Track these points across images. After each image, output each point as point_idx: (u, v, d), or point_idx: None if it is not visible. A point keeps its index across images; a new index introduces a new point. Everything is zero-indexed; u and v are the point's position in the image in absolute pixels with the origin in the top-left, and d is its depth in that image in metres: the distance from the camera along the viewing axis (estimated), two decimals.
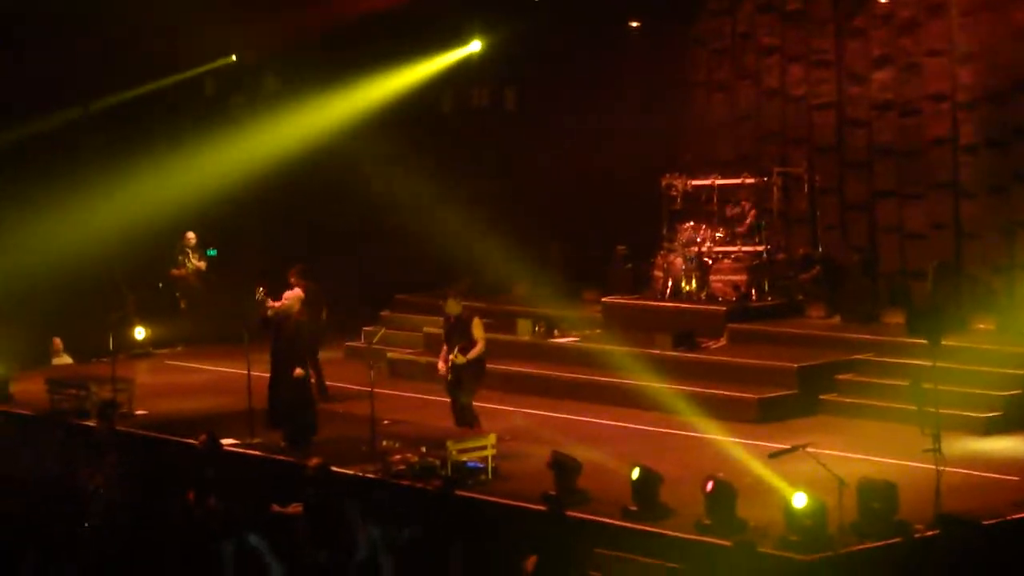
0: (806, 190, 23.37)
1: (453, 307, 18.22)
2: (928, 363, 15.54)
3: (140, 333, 23.75)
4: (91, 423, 18.80)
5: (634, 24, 25.71)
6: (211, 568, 13.38)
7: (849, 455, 16.54)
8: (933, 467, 14.39)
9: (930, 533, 13.69)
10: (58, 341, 24.12)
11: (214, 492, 15.22)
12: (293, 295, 18.40)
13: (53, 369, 22.94)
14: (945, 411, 15.24)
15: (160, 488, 15.95)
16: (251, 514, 14.60)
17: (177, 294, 25.88)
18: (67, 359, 23.99)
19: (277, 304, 18.23)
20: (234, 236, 26.85)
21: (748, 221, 22.78)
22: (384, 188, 25.23)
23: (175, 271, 25.85)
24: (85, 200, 24.49)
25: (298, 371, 17.92)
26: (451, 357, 17.91)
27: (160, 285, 25.55)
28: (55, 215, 24.12)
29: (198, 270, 25.82)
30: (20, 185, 23.98)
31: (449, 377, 18.06)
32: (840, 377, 19.67)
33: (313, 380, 19.17)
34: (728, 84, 25.21)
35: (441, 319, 18.74)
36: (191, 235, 25.82)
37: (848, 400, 19.28)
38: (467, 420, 17.93)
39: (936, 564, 13.38)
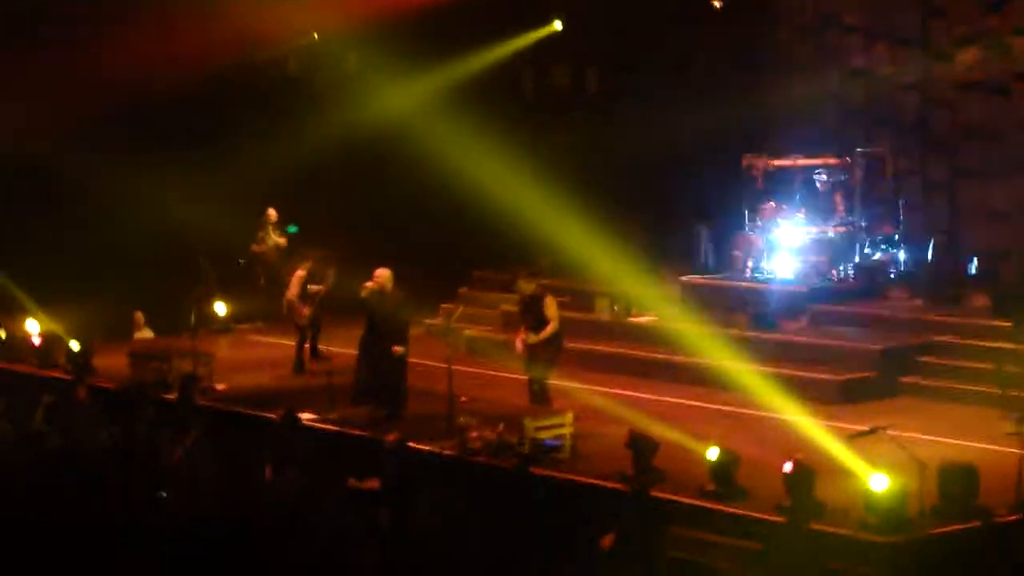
0: (888, 171, 23.13)
1: (526, 286, 18.21)
2: (1012, 346, 15.37)
3: (221, 308, 23.87)
4: (172, 396, 19.03)
5: (716, 4, 25.55)
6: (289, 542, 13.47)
7: (930, 438, 16.40)
8: (1015, 451, 14.24)
9: (1011, 518, 13.56)
10: (140, 315, 24.33)
11: (292, 466, 15.33)
12: (383, 273, 18.49)
13: (135, 343, 23.17)
14: None
15: (239, 461, 16.07)
16: (329, 488, 14.69)
17: (258, 270, 26.04)
18: (149, 333, 24.20)
19: (368, 285, 18.36)
20: (315, 213, 26.96)
21: (835, 203, 22.59)
22: (464, 166, 25.23)
23: (255, 247, 26.01)
24: (167, 176, 24.69)
25: (398, 348, 17.98)
26: (524, 336, 17.92)
27: (241, 261, 25.68)
28: (138, 190, 24.30)
29: (278, 246, 25.95)
30: (105, 163, 24.16)
31: (525, 355, 18.07)
32: (922, 359, 19.50)
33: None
34: (810, 63, 24.99)
35: (516, 297, 18.73)
36: (272, 211, 25.93)
37: (929, 382, 19.10)
38: (542, 399, 17.93)
39: (1017, 549, 13.24)
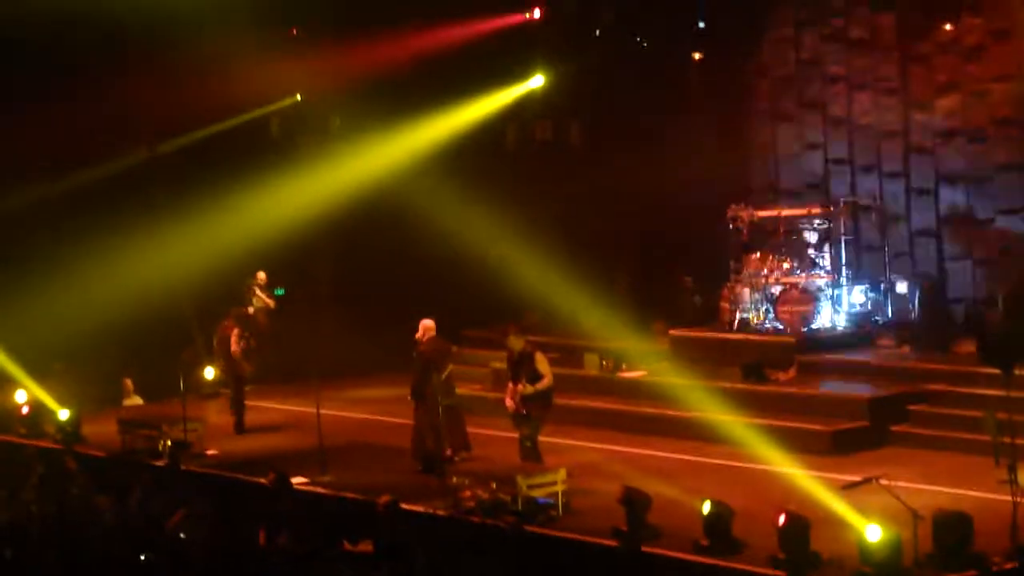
0: (874, 218, 23.21)
1: (515, 343, 18.23)
2: (1002, 393, 15.37)
3: (210, 373, 23.83)
4: (162, 463, 18.96)
5: (696, 56, 25.69)
6: None
7: (923, 487, 16.37)
8: (1009, 498, 14.22)
9: (1008, 565, 13.52)
10: (129, 382, 24.31)
11: (285, 529, 15.26)
12: (432, 324, 18.89)
13: (124, 410, 23.10)
14: (1021, 441, 15.04)
15: (232, 526, 15.99)
16: (322, 551, 14.61)
17: (246, 333, 25.97)
18: (138, 400, 24.16)
19: (423, 339, 18.72)
20: (302, 274, 26.98)
21: (816, 251, 22.65)
22: (449, 224, 25.27)
23: (244, 309, 25.97)
24: (154, 241, 24.69)
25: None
26: (519, 388, 17.91)
27: None
28: (124, 256, 24.29)
29: (267, 308, 25.94)
30: (88, 227, 24.15)
31: (518, 411, 18.06)
32: (912, 408, 19.50)
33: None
34: (792, 113, 25.12)
35: (505, 354, 18.74)
36: (261, 274, 25.94)
37: (921, 431, 19.10)
38: (533, 456, 17.91)
39: None
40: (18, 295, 24.32)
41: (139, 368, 24.13)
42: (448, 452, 18.53)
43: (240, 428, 21.80)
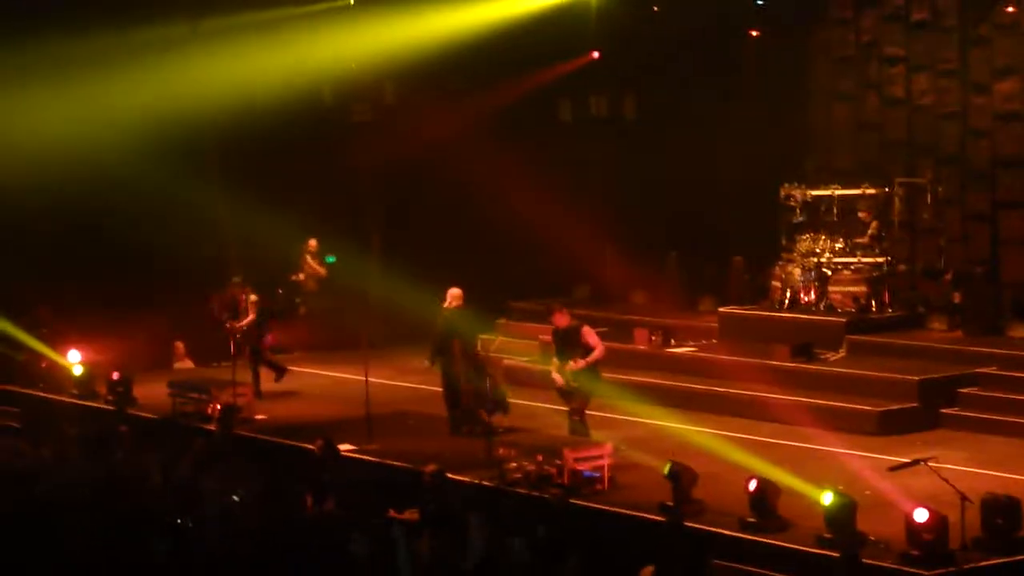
0: (929, 200, 23.06)
1: (560, 319, 18.23)
2: None
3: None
4: (212, 427, 19.08)
5: (754, 33, 25.56)
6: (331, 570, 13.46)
7: (972, 470, 16.31)
8: None
9: None
10: (180, 345, 24.48)
11: (332, 496, 15.34)
12: (459, 292, 19.29)
13: (175, 373, 23.26)
14: None
15: (279, 492, 16.08)
16: (368, 519, 14.69)
17: (297, 300, 26.14)
18: (189, 363, 24.33)
19: (449, 307, 19.12)
20: (354, 243, 27.04)
21: (869, 232, 22.53)
22: (502, 196, 25.27)
23: (295, 276, 26.13)
24: (207, 206, 24.79)
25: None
26: (570, 364, 17.90)
27: (280, 291, 25.77)
28: (178, 220, 24.41)
29: (318, 276, 26.06)
30: (150, 191, 24.21)
31: (565, 386, 18.07)
32: (963, 391, 19.40)
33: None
34: (851, 93, 24.97)
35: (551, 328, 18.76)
36: (313, 241, 26.08)
37: (971, 414, 19.02)
38: (581, 429, 17.93)
39: None
40: (79, 257, 24.43)
41: (191, 332, 24.28)
42: (483, 415, 18.64)
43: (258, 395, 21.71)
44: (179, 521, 14.30)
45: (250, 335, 21.89)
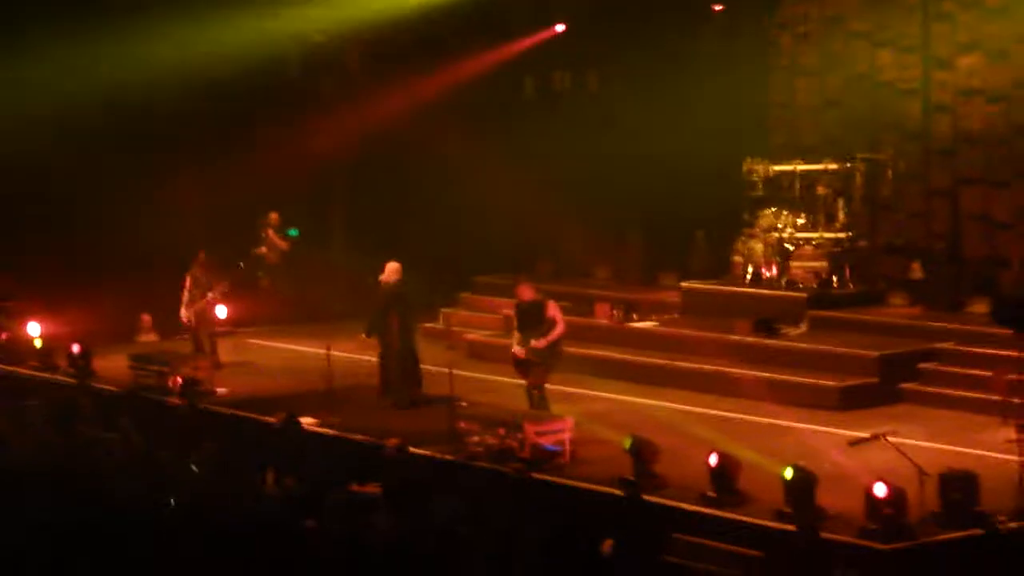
0: (889, 176, 23.11)
1: (525, 292, 18.25)
2: (1012, 353, 15.37)
3: (222, 312, 23.89)
4: (173, 400, 19.03)
5: (717, 7, 25.54)
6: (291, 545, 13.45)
7: (930, 444, 16.39)
8: (1016, 458, 14.23)
9: (1013, 525, 13.54)
10: (147, 318, 24.40)
11: (293, 471, 15.31)
12: (397, 266, 19.41)
13: (138, 346, 23.18)
14: None
15: (240, 466, 16.05)
16: (329, 493, 14.68)
17: (259, 273, 26.07)
18: (154, 336, 24.25)
19: (386, 281, 19.31)
20: (316, 217, 27.00)
21: (835, 209, 22.59)
22: (465, 171, 25.25)
23: (257, 250, 26.05)
24: (172, 181, 24.70)
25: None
26: (532, 342, 17.91)
27: (241, 264, 25.68)
28: (144, 193, 24.33)
29: (280, 249, 25.99)
30: (110, 162, 24.12)
31: (526, 359, 18.08)
32: (922, 366, 19.50)
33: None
34: (813, 69, 24.99)
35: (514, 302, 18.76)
36: (274, 215, 26.01)
37: (930, 389, 19.11)
38: (541, 404, 17.95)
39: (1018, 556, 13.23)
40: (40, 230, 24.31)
41: (154, 306, 24.20)
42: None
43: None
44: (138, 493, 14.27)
45: (203, 310, 21.91)
